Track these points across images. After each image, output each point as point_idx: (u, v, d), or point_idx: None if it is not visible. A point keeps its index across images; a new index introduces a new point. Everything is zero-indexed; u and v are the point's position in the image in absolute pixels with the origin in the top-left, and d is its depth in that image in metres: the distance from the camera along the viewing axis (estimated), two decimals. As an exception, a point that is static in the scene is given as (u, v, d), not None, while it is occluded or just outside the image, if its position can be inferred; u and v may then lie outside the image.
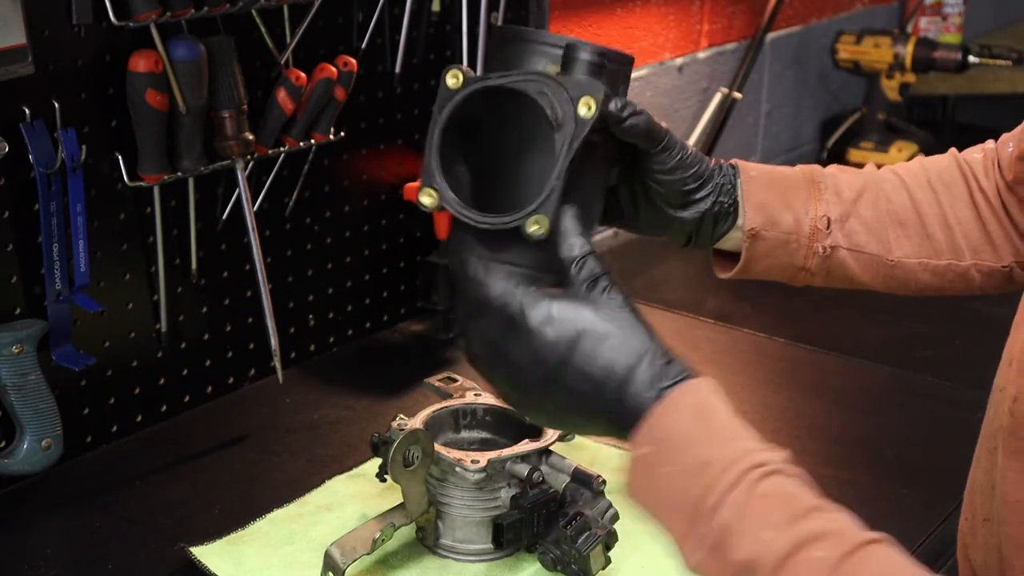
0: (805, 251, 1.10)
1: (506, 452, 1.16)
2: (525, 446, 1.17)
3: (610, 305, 0.88)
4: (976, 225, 1.12)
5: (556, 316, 0.87)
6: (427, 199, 0.93)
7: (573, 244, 0.90)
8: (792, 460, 0.84)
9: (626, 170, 1.03)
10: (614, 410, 0.87)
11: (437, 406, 1.26)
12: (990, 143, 1.15)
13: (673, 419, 0.85)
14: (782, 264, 1.11)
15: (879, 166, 1.17)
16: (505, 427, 1.26)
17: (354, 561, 1.12)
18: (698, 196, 1.05)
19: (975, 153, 1.15)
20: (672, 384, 0.86)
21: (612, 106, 0.93)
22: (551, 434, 1.19)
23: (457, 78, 0.92)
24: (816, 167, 1.14)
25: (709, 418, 0.85)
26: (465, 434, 1.27)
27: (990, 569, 0.96)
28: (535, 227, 0.89)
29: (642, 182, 1.04)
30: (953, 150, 1.17)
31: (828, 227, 1.10)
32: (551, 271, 0.92)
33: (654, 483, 0.85)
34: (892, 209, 1.12)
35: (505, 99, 0.92)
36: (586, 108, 0.90)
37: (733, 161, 1.10)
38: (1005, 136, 1.13)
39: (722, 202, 1.06)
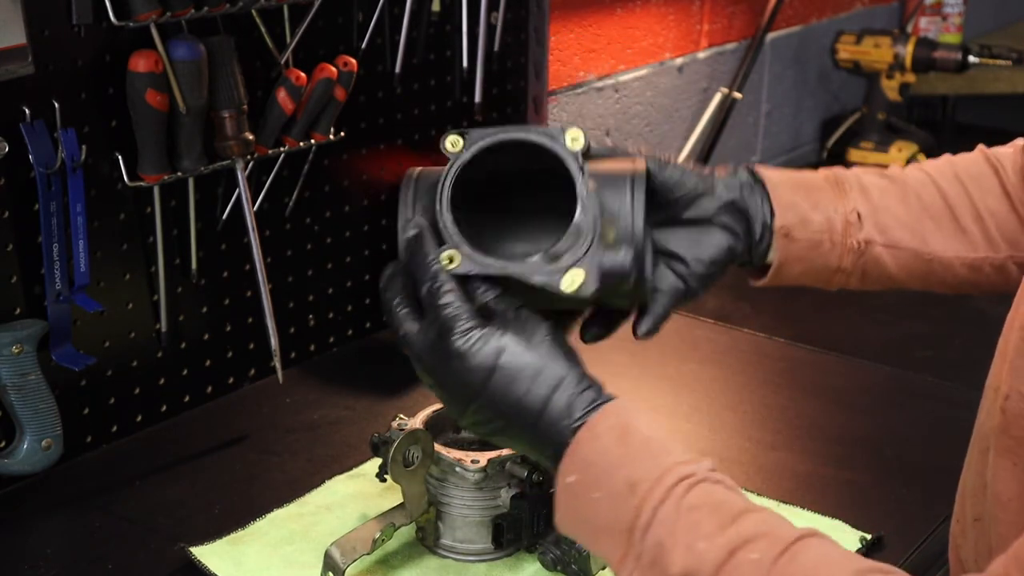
0: (840, 249, 1.08)
1: (506, 452, 1.16)
2: None
3: (534, 332, 0.88)
4: (1010, 216, 1.10)
5: (477, 345, 0.87)
6: (452, 146, 0.94)
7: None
8: (715, 467, 0.85)
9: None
10: (534, 437, 0.88)
11: (437, 406, 1.26)
12: (1020, 141, 1.13)
13: (595, 445, 0.85)
14: (816, 267, 1.09)
15: (903, 165, 1.16)
16: None
17: (354, 561, 1.12)
18: (719, 187, 1.05)
19: (1005, 149, 1.13)
20: (590, 409, 0.86)
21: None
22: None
23: (578, 138, 0.93)
24: (837, 169, 1.13)
25: (630, 438, 0.85)
26: (465, 434, 1.27)
27: (981, 569, 0.96)
28: (448, 262, 0.91)
29: (673, 240, 1.04)
30: (981, 146, 1.15)
31: (860, 220, 1.08)
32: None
33: (584, 510, 0.85)
34: (922, 204, 1.10)
35: (557, 173, 0.94)
36: (568, 284, 0.91)
37: (749, 166, 1.09)
38: None
39: (753, 188, 1.06)
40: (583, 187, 0.92)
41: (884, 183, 1.11)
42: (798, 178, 1.10)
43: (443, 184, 0.94)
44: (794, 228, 1.06)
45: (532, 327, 0.88)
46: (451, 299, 0.89)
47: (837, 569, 0.76)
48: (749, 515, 0.80)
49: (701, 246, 1.04)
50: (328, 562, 1.12)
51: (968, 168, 1.12)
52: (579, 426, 0.85)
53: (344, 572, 1.11)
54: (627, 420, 0.86)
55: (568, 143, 0.93)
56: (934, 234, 1.09)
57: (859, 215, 1.08)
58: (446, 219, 0.93)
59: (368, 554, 1.14)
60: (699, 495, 0.81)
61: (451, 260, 0.91)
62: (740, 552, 0.77)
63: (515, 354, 0.87)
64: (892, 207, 1.09)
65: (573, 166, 0.93)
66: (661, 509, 0.80)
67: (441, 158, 0.94)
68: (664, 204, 1.03)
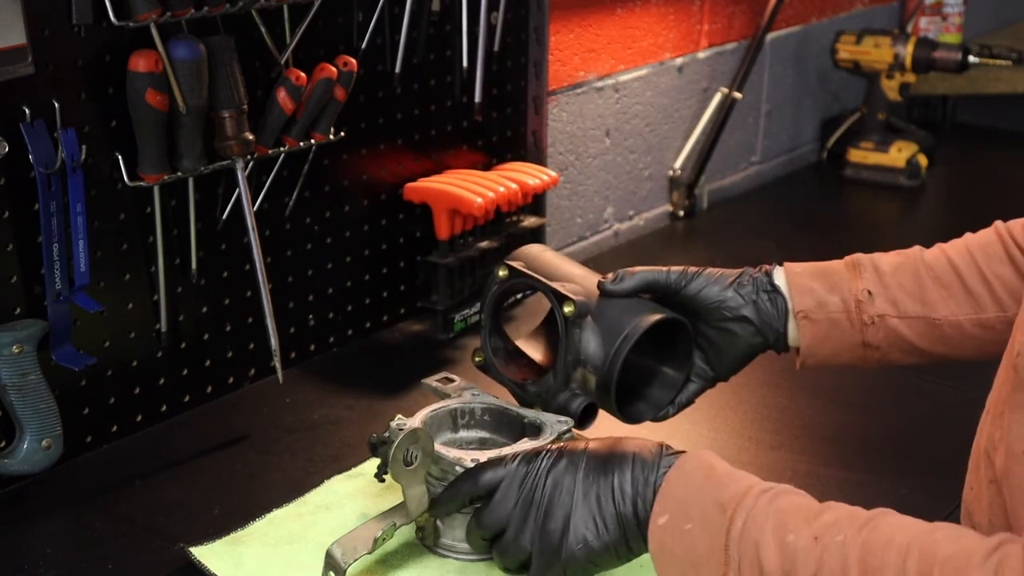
0: (859, 326, 1.22)
1: (505, 450, 1.16)
2: (524, 445, 1.17)
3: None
4: (1015, 277, 1.21)
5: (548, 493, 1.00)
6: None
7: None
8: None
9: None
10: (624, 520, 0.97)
11: (436, 406, 1.26)
12: None
13: (684, 481, 0.94)
14: (843, 345, 1.23)
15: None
16: (503, 426, 1.26)
17: (355, 560, 1.12)
18: (732, 295, 1.23)
19: (1018, 221, 1.25)
20: (672, 455, 0.97)
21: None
22: (548, 434, 1.19)
23: (570, 307, 1.22)
24: (859, 255, 1.27)
25: (714, 472, 0.94)
26: (463, 433, 1.27)
27: (996, 528, 0.98)
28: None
29: (702, 337, 1.25)
30: (998, 222, 1.26)
31: (871, 296, 1.21)
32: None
33: (678, 547, 0.92)
34: (933, 274, 1.23)
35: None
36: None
37: (770, 265, 1.26)
38: None
39: (762, 296, 1.23)
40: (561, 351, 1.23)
41: (899, 260, 1.25)
42: (820, 266, 1.25)
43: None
44: (811, 311, 1.22)
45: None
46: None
47: (911, 529, 0.85)
48: (831, 509, 0.89)
49: (728, 346, 1.24)
50: (329, 561, 1.12)
51: (977, 239, 1.25)
52: (664, 471, 0.96)
53: (345, 572, 1.11)
54: (711, 460, 0.95)
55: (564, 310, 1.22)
56: (945, 300, 1.22)
57: (869, 292, 1.22)
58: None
59: (369, 553, 1.14)
60: (784, 500, 0.90)
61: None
62: (825, 536, 0.85)
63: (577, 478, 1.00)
64: (903, 281, 1.23)
65: (561, 329, 1.22)
66: (753, 513, 0.89)
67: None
68: (692, 311, 1.23)
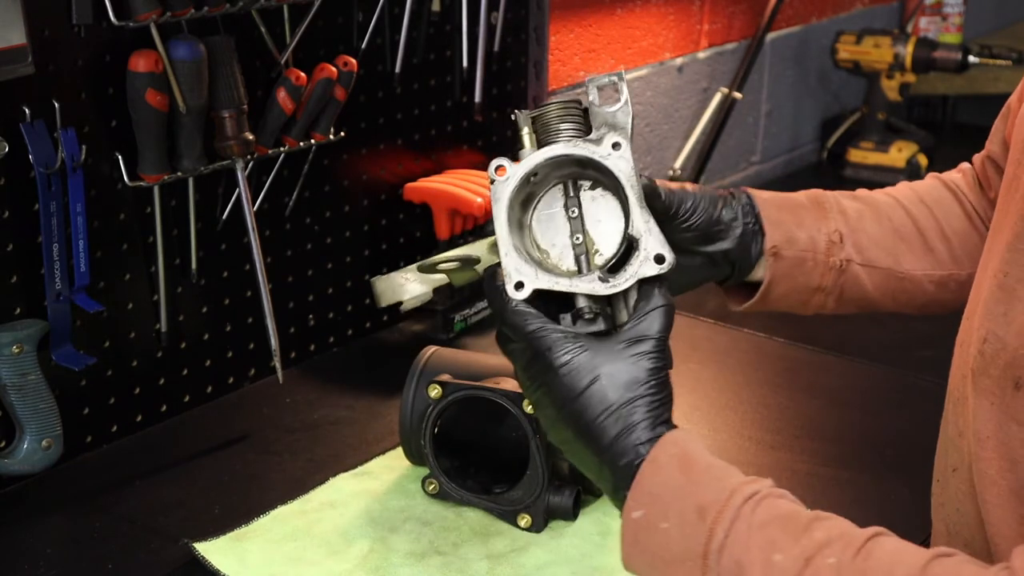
0: (822, 268, 1.14)
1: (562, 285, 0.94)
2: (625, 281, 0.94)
3: (634, 364, 0.88)
4: (972, 235, 1.18)
5: (576, 365, 0.88)
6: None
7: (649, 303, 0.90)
8: (774, 485, 0.87)
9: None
10: (601, 469, 0.89)
11: (581, 148, 0.96)
12: (965, 164, 1.23)
13: (659, 476, 0.86)
14: (799, 286, 1.15)
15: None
16: (608, 212, 0.98)
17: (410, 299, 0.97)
18: (727, 219, 1.10)
19: (954, 174, 1.23)
20: (650, 441, 0.87)
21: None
22: (628, 275, 0.95)
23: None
24: (818, 190, 1.19)
25: (692, 465, 0.87)
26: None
27: (963, 515, 0.98)
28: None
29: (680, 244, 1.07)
30: (932, 173, 1.24)
31: (841, 240, 1.14)
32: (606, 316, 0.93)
33: (653, 543, 0.86)
34: (893, 226, 1.17)
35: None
36: None
37: (742, 188, 1.14)
38: (978, 155, 1.21)
39: (747, 222, 1.11)
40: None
41: (858, 205, 1.18)
42: (783, 197, 1.16)
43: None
44: (782, 247, 1.12)
45: (635, 355, 0.89)
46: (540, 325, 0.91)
47: (909, 558, 0.79)
48: (818, 523, 0.83)
49: (685, 272, 1.09)
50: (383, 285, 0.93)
51: (929, 192, 1.20)
52: (641, 459, 0.87)
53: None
54: (686, 448, 0.87)
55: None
56: (905, 254, 1.17)
57: (841, 235, 1.15)
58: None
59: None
60: (767, 510, 0.84)
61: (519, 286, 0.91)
62: (816, 558, 0.80)
63: (603, 387, 0.88)
64: (868, 228, 1.16)
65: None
66: (733, 529, 0.83)
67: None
68: (680, 228, 1.08)
